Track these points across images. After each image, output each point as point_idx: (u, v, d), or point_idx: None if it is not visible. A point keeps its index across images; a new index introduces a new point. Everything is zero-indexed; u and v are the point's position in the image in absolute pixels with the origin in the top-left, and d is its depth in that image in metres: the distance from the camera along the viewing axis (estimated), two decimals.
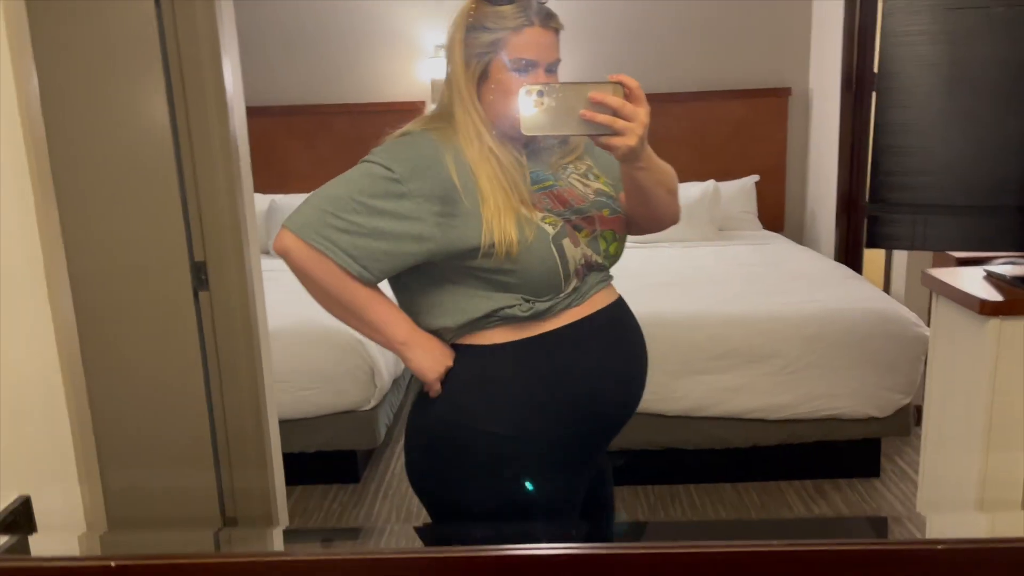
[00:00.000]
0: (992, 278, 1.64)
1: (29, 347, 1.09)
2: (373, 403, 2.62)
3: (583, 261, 1.20)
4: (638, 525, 1.14)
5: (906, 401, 2.54)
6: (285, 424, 2.09)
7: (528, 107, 1.08)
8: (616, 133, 1.08)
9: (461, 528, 1.17)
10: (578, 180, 1.27)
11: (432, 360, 1.20)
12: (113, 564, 0.58)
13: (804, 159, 4.16)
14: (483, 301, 1.18)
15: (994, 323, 1.49)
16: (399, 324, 1.22)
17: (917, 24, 1.64)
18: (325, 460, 2.68)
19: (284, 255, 1.17)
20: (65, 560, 0.60)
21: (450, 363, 1.21)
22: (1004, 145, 1.63)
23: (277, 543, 1.00)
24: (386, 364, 2.66)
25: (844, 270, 3.13)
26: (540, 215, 1.18)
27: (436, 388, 1.22)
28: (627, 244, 1.31)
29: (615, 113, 1.08)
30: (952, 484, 1.69)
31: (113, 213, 1.60)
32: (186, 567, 0.59)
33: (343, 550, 0.65)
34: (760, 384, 2.53)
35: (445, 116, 1.21)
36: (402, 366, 2.91)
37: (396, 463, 2.90)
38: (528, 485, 1.21)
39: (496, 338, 1.20)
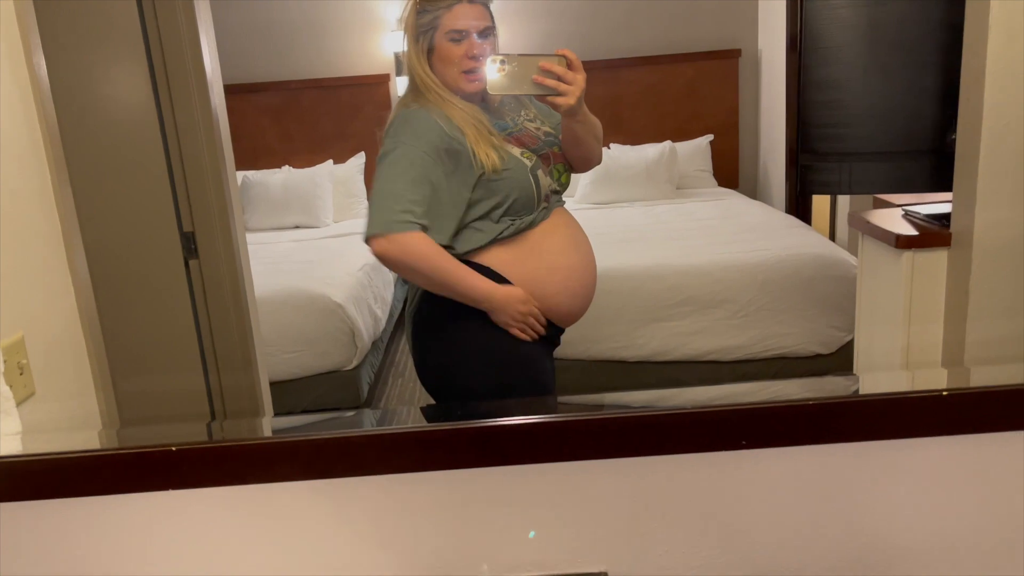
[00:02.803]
0: (908, 216, 1.83)
1: (54, 303, 1.23)
2: (355, 363, 2.77)
3: (550, 188, 1.49)
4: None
5: (849, 338, 2.74)
6: (273, 386, 2.24)
7: (493, 72, 1.36)
8: (560, 94, 1.35)
9: (462, 406, 1.38)
10: (531, 124, 1.52)
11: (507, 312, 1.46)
12: (174, 448, 0.74)
13: (756, 117, 4.33)
14: (482, 235, 1.44)
15: (908, 255, 1.68)
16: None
17: None
18: None
19: (383, 256, 1.40)
20: (134, 448, 0.75)
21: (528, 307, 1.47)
22: (917, 96, 1.81)
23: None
24: (365, 326, 2.82)
25: (793, 220, 3.33)
26: (519, 150, 1.45)
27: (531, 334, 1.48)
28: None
29: (559, 78, 1.35)
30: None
31: (110, 189, 1.73)
32: (233, 449, 0.75)
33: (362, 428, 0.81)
34: (716, 328, 2.72)
35: (416, 89, 1.44)
36: (380, 328, 3.06)
37: None
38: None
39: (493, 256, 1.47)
